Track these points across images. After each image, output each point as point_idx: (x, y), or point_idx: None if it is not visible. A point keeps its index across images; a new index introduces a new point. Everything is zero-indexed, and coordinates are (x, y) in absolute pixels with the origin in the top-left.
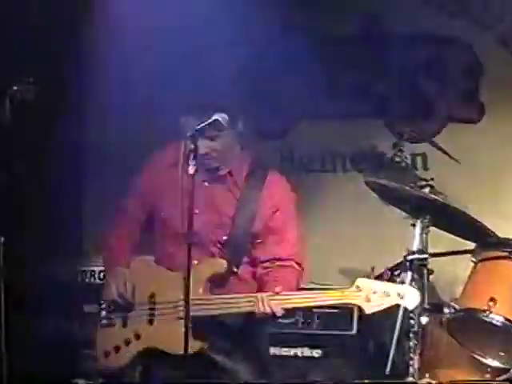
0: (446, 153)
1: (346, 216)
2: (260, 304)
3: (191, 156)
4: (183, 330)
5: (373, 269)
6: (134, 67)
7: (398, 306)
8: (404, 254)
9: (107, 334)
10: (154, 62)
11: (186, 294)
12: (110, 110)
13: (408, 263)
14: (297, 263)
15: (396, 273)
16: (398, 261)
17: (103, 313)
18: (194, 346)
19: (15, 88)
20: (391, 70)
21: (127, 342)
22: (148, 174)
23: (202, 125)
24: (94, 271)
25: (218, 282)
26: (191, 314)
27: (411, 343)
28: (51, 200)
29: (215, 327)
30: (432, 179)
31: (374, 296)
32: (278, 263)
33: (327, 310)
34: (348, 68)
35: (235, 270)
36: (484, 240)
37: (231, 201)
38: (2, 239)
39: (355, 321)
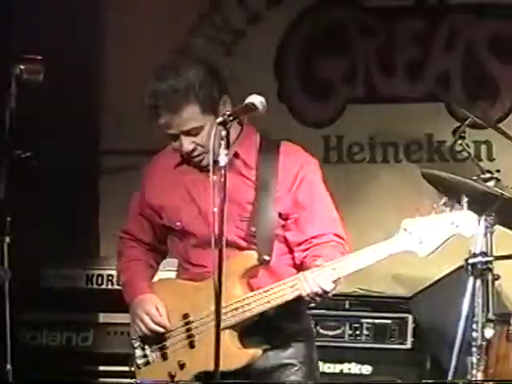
0: None
1: (398, 213)
2: (305, 284)
3: (223, 144)
4: (227, 340)
5: None
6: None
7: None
8: (465, 256)
9: (147, 373)
10: None
11: (217, 303)
12: (128, 98)
13: (470, 267)
14: (336, 235)
15: None
16: (459, 264)
17: (138, 352)
18: (244, 356)
19: (22, 67)
20: (452, 47)
21: (172, 376)
22: (152, 181)
23: (235, 109)
24: (111, 275)
25: (252, 278)
26: (233, 321)
27: (474, 358)
28: (63, 196)
29: (265, 328)
30: (498, 171)
31: (425, 234)
32: (315, 241)
33: (377, 321)
34: (402, 44)
35: (266, 258)
36: None
37: (247, 185)
38: (8, 239)
39: (409, 333)
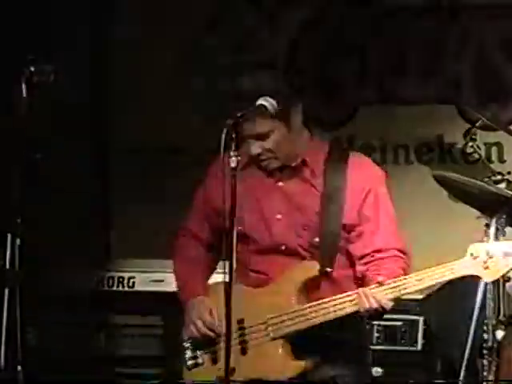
0: None
1: (408, 214)
2: (364, 300)
3: (232, 145)
4: (281, 350)
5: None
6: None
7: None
8: None
9: (196, 375)
10: None
11: (228, 307)
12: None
13: None
14: (399, 250)
15: None
16: None
17: (188, 353)
18: (296, 367)
19: (32, 69)
20: (463, 49)
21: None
22: (215, 182)
23: (246, 111)
24: (122, 278)
25: (311, 289)
26: (287, 330)
27: (485, 361)
28: (74, 197)
29: (318, 340)
30: (509, 173)
31: (491, 261)
32: (378, 255)
33: (388, 323)
34: (413, 45)
35: (328, 269)
36: None
37: (313, 194)
38: (19, 241)
39: (420, 335)
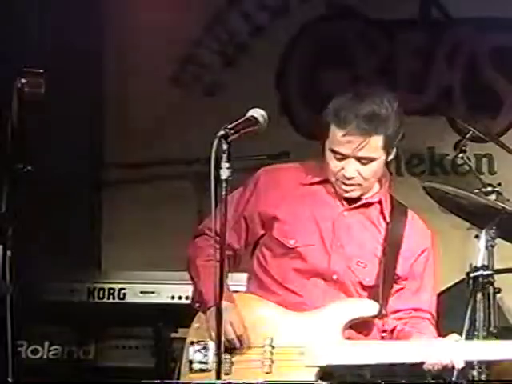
0: None
1: None
2: (435, 354)
3: (224, 158)
4: (314, 380)
5: None
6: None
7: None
8: (467, 270)
9: (201, 379)
10: None
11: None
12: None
13: (471, 281)
14: (432, 316)
15: None
16: (459, 278)
17: (197, 356)
18: None
19: (23, 81)
20: (454, 61)
21: None
22: (269, 189)
23: (236, 122)
24: (113, 289)
25: (358, 327)
26: (329, 362)
27: (475, 372)
28: (65, 208)
29: (346, 377)
30: (499, 184)
31: None
32: (414, 314)
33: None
34: (404, 57)
35: (384, 312)
36: None
37: (375, 235)
38: (9, 253)
39: None
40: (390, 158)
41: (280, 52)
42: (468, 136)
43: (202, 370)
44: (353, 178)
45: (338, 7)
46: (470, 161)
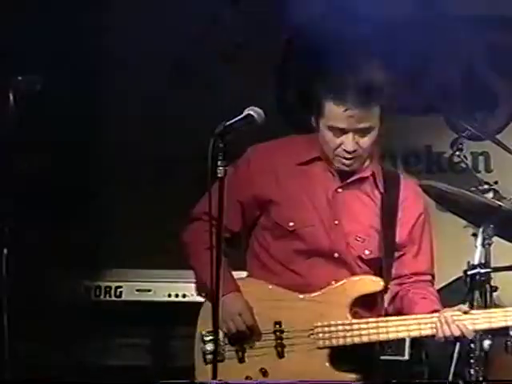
0: (511, 152)
1: None
2: (445, 326)
3: (220, 155)
4: (327, 360)
5: None
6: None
7: None
8: (464, 268)
9: (217, 370)
10: None
11: (215, 313)
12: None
13: (468, 279)
14: (433, 276)
15: None
16: (457, 276)
17: (209, 346)
18: (341, 378)
19: (19, 78)
20: (449, 58)
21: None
22: (262, 171)
23: (233, 120)
24: (109, 287)
25: (365, 303)
26: (338, 342)
27: (472, 371)
28: (61, 206)
29: (357, 353)
30: (496, 182)
31: None
32: (414, 278)
33: None
34: (400, 55)
35: (389, 286)
36: None
37: (372, 207)
38: (6, 251)
39: (407, 344)
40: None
41: (278, 50)
42: (465, 134)
43: (216, 360)
44: (354, 151)
45: (335, 6)
46: (466, 159)
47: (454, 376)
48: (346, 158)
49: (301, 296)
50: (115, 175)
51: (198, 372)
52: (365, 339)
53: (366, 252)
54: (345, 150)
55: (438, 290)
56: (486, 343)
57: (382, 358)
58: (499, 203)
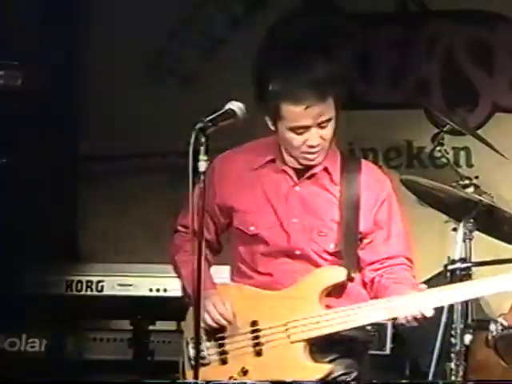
0: (492, 147)
1: None
2: (403, 308)
3: (202, 150)
4: (303, 353)
5: None
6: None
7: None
8: (444, 263)
9: (201, 374)
10: None
11: (197, 311)
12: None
13: (449, 274)
14: (408, 259)
15: None
16: (437, 271)
17: (192, 351)
18: (320, 370)
19: (0, 73)
20: (431, 54)
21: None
22: (223, 180)
23: (214, 115)
24: (90, 282)
25: (333, 294)
26: (311, 334)
27: (453, 365)
28: (41, 201)
29: (336, 343)
30: (477, 177)
31: None
32: (388, 262)
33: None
34: (382, 51)
35: (353, 275)
36: None
37: (330, 201)
38: None
39: (389, 339)
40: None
41: (257, 45)
42: (446, 129)
43: (201, 365)
44: (318, 144)
45: (315, 0)
46: (447, 154)
47: (434, 371)
48: (312, 153)
49: (272, 294)
50: (94, 169)
51: (188, 376)
52: (335, 329)
53: (331, 246)
54: (310, 145)
55: None
56: (467, 337)
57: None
58: (480, 198)
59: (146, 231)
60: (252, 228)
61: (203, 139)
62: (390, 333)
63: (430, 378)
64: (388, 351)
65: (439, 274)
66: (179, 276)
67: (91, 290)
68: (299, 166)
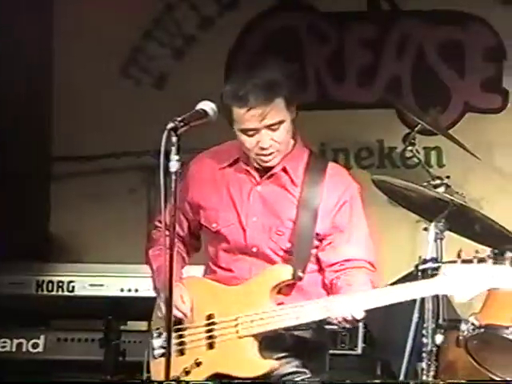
0: (463, 147)
1: None
2: (337, 309)
3: (173, 150)
4: (249, 348)
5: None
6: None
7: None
8: (415, 262)
9: (162, 365)
10: None
11: (168, 308)
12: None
13: (420, 273)
14: (368, 263)
15: None
16: (408, 271)
17: (157, 342)
18: (264, 366)
19: None
20: (403, 53)
21: (187, 372)
22: (195, 179)
23: (186, 115)
24: (61, 282)
25: (283, 292)
26: (257, 330)
27: (424, 364)
28: (13, 202)
29: (287, 342)
30: (448, 177)
31: (463, 282)
32: (348, 265)
33: (328, 327)
34: (353, 50)
35: (301, 275)
36: (506, 246)
37: (290, 201)
38: None
39: (360, 339)
40: (293, 116)
41: (229, 44)
42: (417, 129)
43: (162, 355)
44: (270, 146)
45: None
46: (418, 153)
47: (406, 370)
48: (264, 155)
49: (230, 289)
50: (66, 169)
51: (150, 367)
52: (278, 325)
53: (288, 245)
54: (261, 147)
55: (390, 285)
56: (438, 337)
57: (335, 352)
58: (451, 198)
59: (118, 231)
60: (214, 225)
61: (174, 139)
62: (362, 333)
63: (402, 377)
64: (360, 351)
65: (410, 273)
66: (151, 269)
67: (62, 290)
68: (267, 164)
